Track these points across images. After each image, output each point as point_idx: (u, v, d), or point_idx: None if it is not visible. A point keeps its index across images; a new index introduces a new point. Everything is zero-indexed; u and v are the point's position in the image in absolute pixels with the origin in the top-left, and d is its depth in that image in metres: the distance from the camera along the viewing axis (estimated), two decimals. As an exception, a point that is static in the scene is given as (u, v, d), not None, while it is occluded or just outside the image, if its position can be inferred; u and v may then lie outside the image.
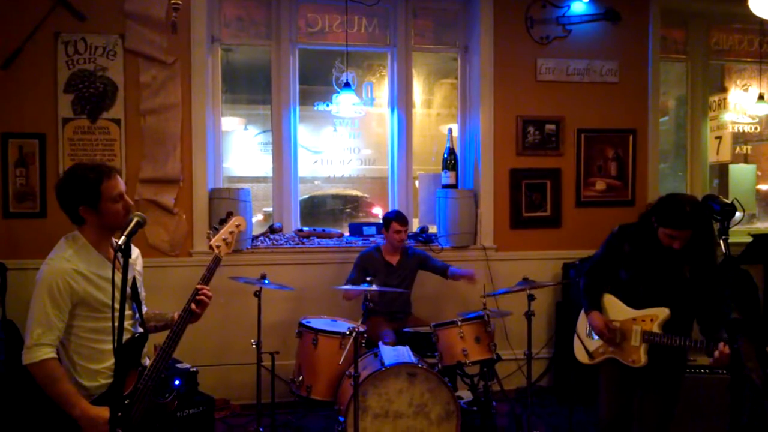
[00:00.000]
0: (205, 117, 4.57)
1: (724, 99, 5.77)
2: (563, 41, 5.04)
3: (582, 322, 3.27)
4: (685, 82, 5.60)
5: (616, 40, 5.11)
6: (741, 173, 5.72)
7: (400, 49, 5.09)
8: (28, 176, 4.38)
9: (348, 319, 4.07)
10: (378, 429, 3.36)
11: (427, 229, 5.01)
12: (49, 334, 2.21)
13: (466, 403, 3.95)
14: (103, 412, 2.16)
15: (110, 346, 2.29)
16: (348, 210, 5.50)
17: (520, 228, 5.03)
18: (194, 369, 3.82)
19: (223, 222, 2.70)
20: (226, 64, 4.99)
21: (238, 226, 2.70)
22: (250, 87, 5.21)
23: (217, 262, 2.55)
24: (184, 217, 4.55)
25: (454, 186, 4.93)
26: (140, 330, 2.43)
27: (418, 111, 5.36)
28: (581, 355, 3.24)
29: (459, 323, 3.73)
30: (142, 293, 2.51)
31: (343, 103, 4.63)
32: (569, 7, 5.00)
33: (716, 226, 2.41)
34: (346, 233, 5.02)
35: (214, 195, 4.58)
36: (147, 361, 2.42)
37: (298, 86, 4.99)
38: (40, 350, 2.19)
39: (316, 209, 5.42)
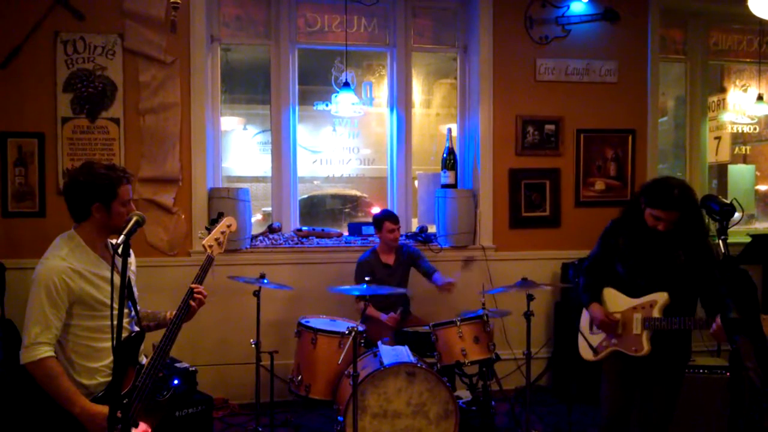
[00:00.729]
0: (204, 116, 4.57)
1: (723, 99, 5.78)
2: (562, 41, 5.04)
3: (585, 319, 3.28)
4: (684, 83, 5.60)
5: (616, 40, 5.11)
6: (740, 174, 5.73)
7: (399, 48, 5.09)
8: (27, 175, 4.37)
9: (347, 319, 4.07)
10: (377, 428, 3.36)
11: (426, 228, 5.01)
12: (47, 332, 2.22)
13: (465, 403, 3.95)
14: (104, 409, 2.16)
15: (108, 344, 2.30)
16: (347, 210, 5.50)
17: (520, 228, 5.03)
18: (193, 368, 3.82)
19: (214, 222, 2.73)
20: (226, 63, 4.99)
21: (229, 226, 2.73)
22: (249, 87, 5.21)
23: (210, 261, 2.57)
24: (183, 216, 4.55)
25: (454, 186, 4.93)
26: (137, 328, 2.44)
27: (418, 111, 5.36)
28: (585, 352, 3.24)
29: (458, 323, 3.73)
30: (136, 293, 2.52)
31: (343, 102, 4.63)
32: (568, 7, 5.00)
33: (715, 226, 2.41)
34: (346, 233, 5.02)
35: (213, 195, 4.58)
36: (144, 360, 2.42)
37: (297, 86, 4.99)
38: (39, 349, 2.20)
39: (315, 209, 5.43)
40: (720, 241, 2.28)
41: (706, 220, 2.79)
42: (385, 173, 5.25)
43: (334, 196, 5.53)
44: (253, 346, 3.82)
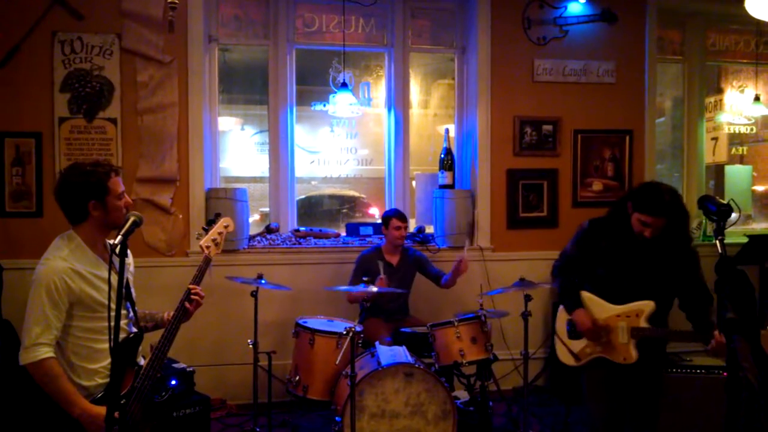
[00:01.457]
0: (202, 117, 4.57)
1: (721, 100, 5.79)
2: (560, 42, 5.05)
3: (561, 324, 3.23)
4: (681, 83, 5.61)
5: (613, 40, 5.12)
6: (737, 174, 5.74)
7: (397, 49, 5.09)
8: (24, 175, 4.37)
9: (345, 319, 4.07)
10: (375, 429, 3.36)
11: (424, 229, 5.01)
12: (48, 333, 2.22)
13: (463, 403, 3.96)
14: (104, 410, 2.15)
15: (107, 346, 2.30)
16: (345, 210, 5.51)
17: (517, 228, 5.03)
18: (191, 369, 3.81)
19: (211, 223, 2.73)
20: (223, 63, 4.99)
21: (226, 227, 2.73)
22: (247, 87, 5.21)
23: (207, 262, 2.57)
24: (180, 216, 4.54)
25: (451, 186, 4.94)
26: (135, 329, 2.44)
27: (415, 111, 5.37)
28: (566, 357, 3.20)
29: (456, 323, 3.73)
30: (134, 293, 2.52)
31: (340, 103, 4.63)
32: (566, 7, 5.01)
33: (712, 226, 2.41)
34: (343, 233, 5.02)
35: (211, 195, 4.58)
36: (142, 361, 2.42)
37: (295, 86, 4.99)
38: (39, 350, 2.19)
39: (313, 209, 5.43)
40: (717, 242, 2.28)
41: (695, 226, 2.80)
42: (383, 174, 5.25)
43: (331, 197, 5.53)
44: (250, 346, 3.82)
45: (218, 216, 2.78)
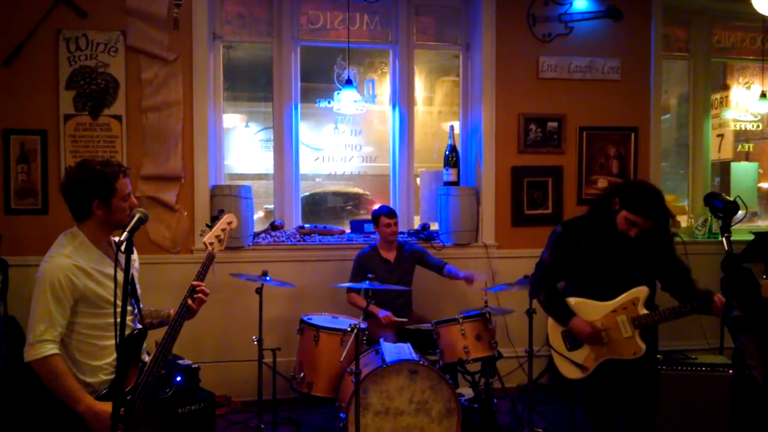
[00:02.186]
0: (206, 114, 4.57)
1: (726, 97, 5.77)
2: (565, 39, 5.03)
3: (556, 338, 3.09)
4: (687, 80, 5.59)
5: (619, 37, 5.10)
6: (743, 171, 5.71)
7: (401, 46, 5.09)
8: (29, 172, 4.38)
9: (349, 316, 4.07)
10: (379, 426, 3.36)
11: (429, 226, 5.01)
12: (52, 330, 2.22)
13: (467, 401, 3.95)
14: (109, 407, 2.16)
15: (111, 342, 2.30)
16: (349, 207, 5.50)
17: (522, 225, 5.02)
18: (195, 365, 3.82)
19: (214, 220, 2.72)
20: (228, 61, 4.99)
21: (230, 223, 2.72)
22: (251, 84, 5.21)
23: (211, 259, 2.57)
24: (185, 214, 4.55)
25: (456, 183, 4.93)
26: (139, 326, 2.44)
27: (420, 108, 5.36)
28: (570, 371, 3.07)
29: (460, 321, 3.73)
30: (138, 290, 2.52)
31: (345, 100, 4.63)
32: (571, 4, 4.99)
33: (718, 224, 2.40)
34: (348, 230, 5.02)
35: (216, 192, 4.58)
36: (147, 357, 2.43)
37: (299, 83, 4.99)
38: (44, 346, 2.20)
39: (317, 206, 5.43)
40: (724, 239, 2.27)
41: (701, 223, 2.79)
42: (388, 171, 5.24)
43: (336, 194, 5.53)
44: (255, 343, 3.82)
45: (221, 212, 2.77)
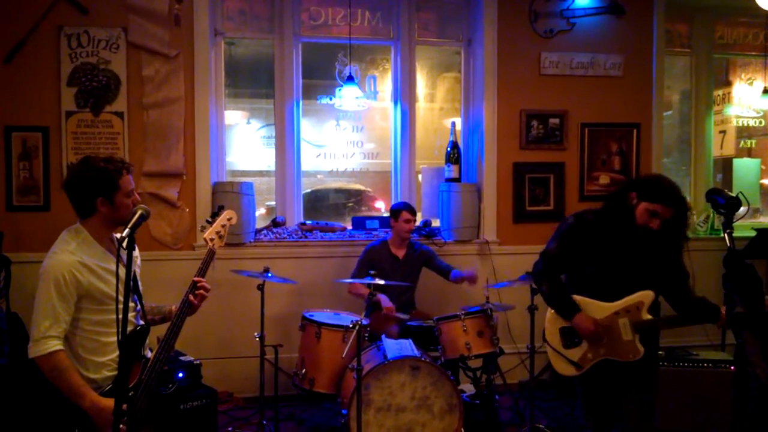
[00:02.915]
0: (208, 111, 4.57)
1: (729, 93, 5.75)
2: (567, 35, 5.02)
3: (553, 333, 3.04)
4: (689, 76, 5.58)
5: (621, 33, 5.09)
6: (745, 167, 5.70)
7: (403, 42, 5.08)
8: (31, 169, 4.38)
9: (351, 313, 4.07)
10: (381, 422, 3.36)
11: (430, 222, 5.01)
12: (57, 326, 2.22)
13: (469, 397, 3.96)
14: (112, 402, 2.17)
15: (114, 339, 2.30)
16: (351, 204, 5.50)
17: (524, 222, 5.02)
18: (197, 362, 3.82)
19: (215, 216, 2.72)
20: (229, 57, 4.99)
21: (230, 219, 2.72)
22: (252, 81, 5.21)
23: (211, 255, 2.57)
24: (187, 210, 4.55)
25: (458, 180, 4.93)
26: (142, 322, 2.45)
27: (421, 104, 5.35)
28: (564, 368, 3.01)
29: (462, 317, 3.73)
30: (140, 287, 2.53)
31: (346, 96, 4.63)
32: (573, 0, 4.98)
33: (720, 219, 2.40)
34: (349, 227, 5.02)
35: (217, 189, 4.58)
36: (149, 353, 2.43)
37: (301, 80, 4.98)
38: (48, 342, 2.20)
39: (318, 203, 5.43)
40: (726, 235, 2.27)
41: (702, 219, 2.76)
42: (389, 167, 5.24)
43: (337, 191, 5.53)
44: (257, 339, 3.83)
45: (221, 209, 2.76)
